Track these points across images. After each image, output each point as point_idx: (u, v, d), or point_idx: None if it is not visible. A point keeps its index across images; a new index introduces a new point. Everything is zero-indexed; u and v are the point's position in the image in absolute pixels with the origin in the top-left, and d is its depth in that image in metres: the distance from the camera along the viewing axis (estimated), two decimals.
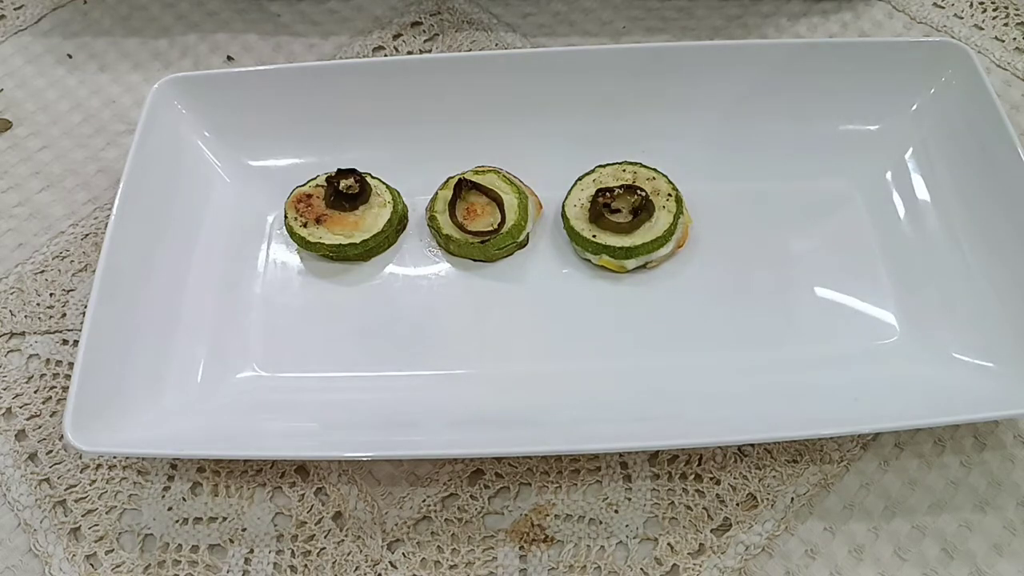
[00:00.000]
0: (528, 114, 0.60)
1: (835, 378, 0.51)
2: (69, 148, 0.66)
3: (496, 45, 0.70)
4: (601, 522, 0.49)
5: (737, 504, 0.49)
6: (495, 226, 0.56)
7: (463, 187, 0.57)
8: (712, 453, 0.51)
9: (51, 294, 0.59)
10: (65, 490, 0.52)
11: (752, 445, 0.51)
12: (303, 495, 0.51)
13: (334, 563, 0.49)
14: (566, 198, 0.58)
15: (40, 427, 0.54)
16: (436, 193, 0.58)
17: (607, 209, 0.56)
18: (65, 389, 0.55)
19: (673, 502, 0.50)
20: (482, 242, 0.56)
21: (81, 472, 0.52)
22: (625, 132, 0.60)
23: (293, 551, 0.49)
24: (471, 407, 0.51)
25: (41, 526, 0.51)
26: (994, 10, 0.70)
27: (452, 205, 0.57)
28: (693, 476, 0.50)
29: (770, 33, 0.69)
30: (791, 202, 0.58)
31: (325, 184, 0.58)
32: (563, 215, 0.57)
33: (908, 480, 0.50)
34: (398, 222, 0.58)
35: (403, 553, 0.49)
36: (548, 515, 0.50)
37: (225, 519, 0.50)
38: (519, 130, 0.60)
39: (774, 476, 0.50)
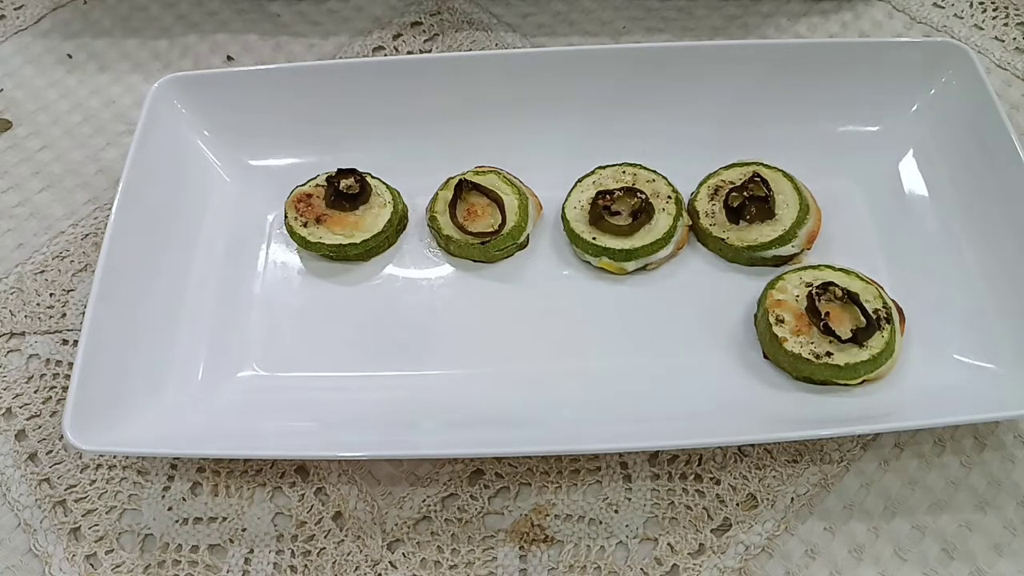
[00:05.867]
0: (528, 114, 0.60)
1: None
2: (69, 148, 0.66)
3: (496, 45, 0.70)
4: (601, 522, 0.49)
5: (737, 504, 0.49)
6: (495, 227, 0.56)
7: (464, 188, 0.57)
8: (712, 453, 0.51)
9: (51, 294, 0.59)
10: (65, 490, 0.52)
11: (752, 445, 0.51)
12: (303, 495, 0.51)
13: (334, 563, 0.49)
14: (566, 200, 0.58)
15: (40, 427, 0.54)
16: (436, 194, 0.58)
17: (607, 211, 0.56)
18: (65, 389, 0.55)
19: (673, 502, 0.50)
20: (483, 243, 0.56)
21: (81, 472, 0.52)
22: (625, 132, 0.60)
23: (293, 551, 0.49)
24: (471, 407, 0.51)
25: (41, 526, 0.51)
26: (994, 10, 0.70)
27: (452, 206, 0.57)
28: (693, 476, 0.50)
29: (770, 33, 0.69)
30: None
31: (325, 184, 0.58)
32: (563, 217, 0.57)
33: (908, 480, 0.50)
34: (398, 222, 0.58)
35: (403, 553, 0.49)
36: (548, 515, 0.50)
37: (225, 519, 0.50)
38: (519, 130, 0.60)
39: (774, 476, 0.50)
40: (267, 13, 0.73)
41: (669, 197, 0.56)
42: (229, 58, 0.71)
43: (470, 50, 0.70)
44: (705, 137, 0.60)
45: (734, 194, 0.55)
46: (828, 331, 0.49)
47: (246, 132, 0.60)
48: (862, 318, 0.50)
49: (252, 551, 0.49)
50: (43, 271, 0.60)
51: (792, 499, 0.49)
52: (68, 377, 0.54)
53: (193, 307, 0.55)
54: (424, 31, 0.71)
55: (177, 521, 0.50)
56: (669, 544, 0.48)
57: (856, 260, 0.55)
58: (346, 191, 0.57)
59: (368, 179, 0.58)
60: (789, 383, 0.51)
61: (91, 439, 0.46)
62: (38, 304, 0.59)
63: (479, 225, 0.56)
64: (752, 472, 0.50)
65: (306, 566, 0.49)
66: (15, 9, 0.74)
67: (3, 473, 0.52)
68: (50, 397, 0.55)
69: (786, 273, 0.53)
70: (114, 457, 0.52)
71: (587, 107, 0.60)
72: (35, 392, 0.55)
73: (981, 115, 0.55)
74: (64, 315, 0.58)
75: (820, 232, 0.56)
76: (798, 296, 0.51)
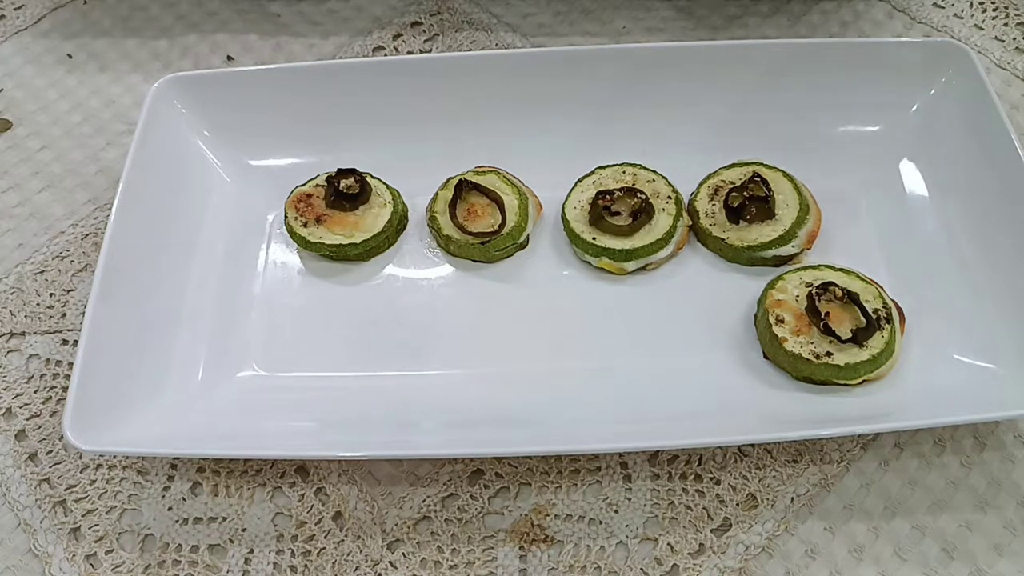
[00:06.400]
0: (528, 114, 0.60)
1: None
2: (69, 148, 0.66)
3: (496, 45, 0.70)
4: (601, 522, 0.49)
5: (737, 504, 0.49)
6: (495, 227, 0.56)
7: (464, 188, 0.57)
8: (712, 453, 0.51)
9: (51, 294, 0.59)
10: (65, 490, 0.52)
11: (752, 445, 0.51)
12: (303, 495, 0.51)
13: (334, 563, 0.49)
14: (566, 200, 0.58)
15: (40, 427, 0.54)
16: (436, 194, 0.58)
17: (607, 212, 0.56)
18: (65, 389, 0.55)
19: (673, 502, 0.50)
20: (483, 243, 0.56)
21: (81, 472, 0.52)
22: (625, 132, 0.60)
23: (293, 551, 0.49)
24: (471, 407, 0.51)
25: (41, 526, 0.51)
26: (994, 10, 0.70)
27: (452, 206, 0.57)
28: (693, 476, 0.50)
29: (770, 33, 0.69)
30: None
31: (325, 184, 0.58)
32: (563, 217, 0.57)
33: (908, 480, 0.50)
34: (398, 222, 0.58)
35: (403, 553, 0.49)
36: (548, 515, 0.50)
37: (225, 519, 0.50)
38: (519, 130, 0.60)
39: (774, 476, 0.50)
40: (267, 13, 0.73)
41: (669, 197, 0.56)
42: (229, 58, 0.71)
43: (470, 50, 0.70)
44: (705, 137, 0.60)
45: (734, 194, 0.55)
46: (828, 331, 0.49)
47: (246, 132, 0.60)
48: (862, 318, 0.50)
49: (252, 551, 0.49)
50: (43, 271, 0.60)
51: (792, 499, 0.49)
52: (68, 377, 0.54)
53: (193, 307, 0.55)
54: (424, 31, 0.71)
55: (177, 521, 0.50)
56: (669, 544, 0.48)
57: (856, 260, 0.55)
58: (346, 191, 0.57)
59: (368, 179, 0.58)
60: (789, 383, 0.51)
61: (91, 439, 0.46)
62: (38, 304, 0.59)
63: (479, 225, 0.56)
64: (752, 472, 0.50)
65: (306, 566, 0.49)
66: (15, 9, 0.74)
67: (3, 473, 0.52)
68: (50, 397, 0.55)
69: (786, 273, 0.53)
70: (114, 457, 0.52)
71: (587, 107, 0.60)
72: (35, 392, 0.55)
73: (981, 115, 0.55)
74: (64, 315, 0.58)
75: (820, 232, 0.56)
76: (798, 296, 0.51)
